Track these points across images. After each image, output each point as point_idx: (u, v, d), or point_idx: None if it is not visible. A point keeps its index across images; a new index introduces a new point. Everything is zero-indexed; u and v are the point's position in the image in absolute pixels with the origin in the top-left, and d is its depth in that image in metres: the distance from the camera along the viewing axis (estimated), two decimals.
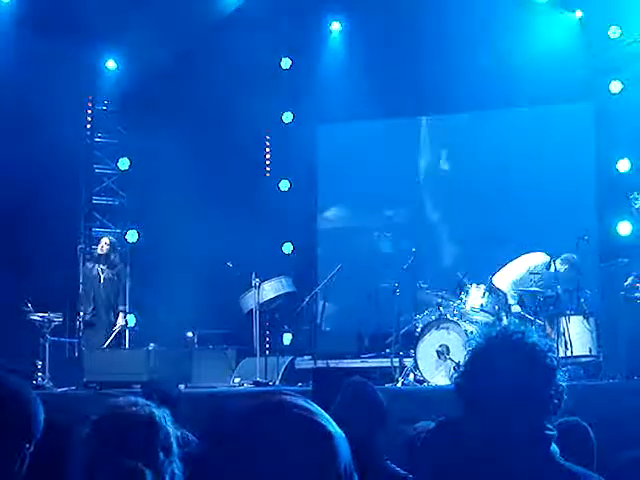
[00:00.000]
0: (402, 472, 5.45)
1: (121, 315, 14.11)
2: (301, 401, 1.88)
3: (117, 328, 13.93)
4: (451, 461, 2.96)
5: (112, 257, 14.18)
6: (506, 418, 2.89)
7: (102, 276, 13.87)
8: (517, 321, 11.92)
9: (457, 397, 3.05)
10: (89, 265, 14.14)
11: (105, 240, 14.27)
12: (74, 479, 3.19)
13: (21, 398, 2.76)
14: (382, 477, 5.26)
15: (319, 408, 1.90)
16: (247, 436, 1.82)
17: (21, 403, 2.74)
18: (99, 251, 14.17)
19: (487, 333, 3.09)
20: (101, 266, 13.97)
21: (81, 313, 13.78)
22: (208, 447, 1.89)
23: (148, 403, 3.15)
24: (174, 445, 3.09)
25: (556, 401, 2.98)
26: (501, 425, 2.89)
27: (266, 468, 1.79)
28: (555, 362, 3.03)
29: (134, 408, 3.08)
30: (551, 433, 2.97)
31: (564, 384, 3.02)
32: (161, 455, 3.02)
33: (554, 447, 2.97)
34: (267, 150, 17.83)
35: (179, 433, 3.36)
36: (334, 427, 1.88)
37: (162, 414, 3.12)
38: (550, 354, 3.02)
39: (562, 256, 12.87)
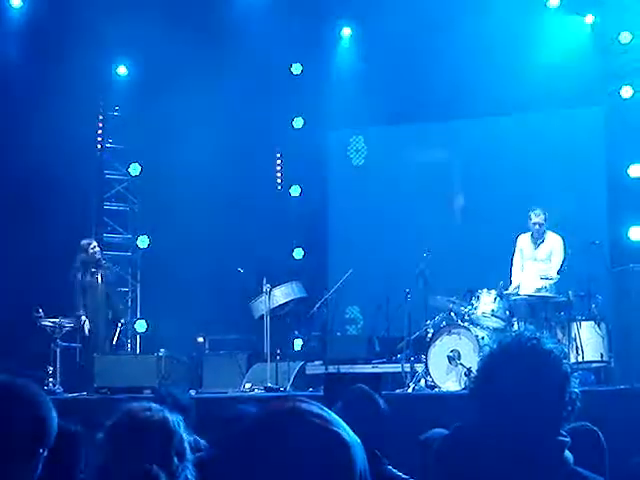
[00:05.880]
0: (404, 476, 5.45)
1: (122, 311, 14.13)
2: (316, 408, 1.88)
3: (120, 327, 13.86)
4: (466, 467, 2.95)
5: (101, 258, 13.96)
6: (521, 424, 2.89)
7: (98, 278, 13.70)
8: (531, 327, 11.99)
9: (471, 403, 3.05)
10: (81, 272, 13.74)
11: (93, 243, 13.91)
12: None
13: (35, 403, 2.76)
14: None
15: (334, 415, 1.90)
16: (260, 443, 1.81)
17: (35, 408, 2.75)
18: (91, 255, 13.73)
19: (502, 339, 3.08)
20: (93, 269, 13.74)
21: (83, 319, 13.60)
22: (221, 453, 1.88)
23: (162, 408, 3.16)
24: (187, 450, 3.09)
25: (570, 407, 2.97)
26: (516, 431, 2.89)
27: (280, 476, 1.78)
28: (569, 368, 3.03)
29: (148, 413, 3.09)
30: (565, 439, 2.96)
31: (578, 390, 3.02)
32: (175, 460, 3.03)
33: (568, 453, 2.97)
34: (278, 156, 17.84)
35: (191, 438, 3.36)
36: (349, 434, 1.87)
37: (176, 419, 3.13)
38: (565, 360, 3.02)
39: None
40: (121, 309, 14.23)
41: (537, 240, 13.26)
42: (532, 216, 13.19)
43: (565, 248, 13.15)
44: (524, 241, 13.38)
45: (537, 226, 13.17)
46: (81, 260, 13.73)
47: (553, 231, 13.31)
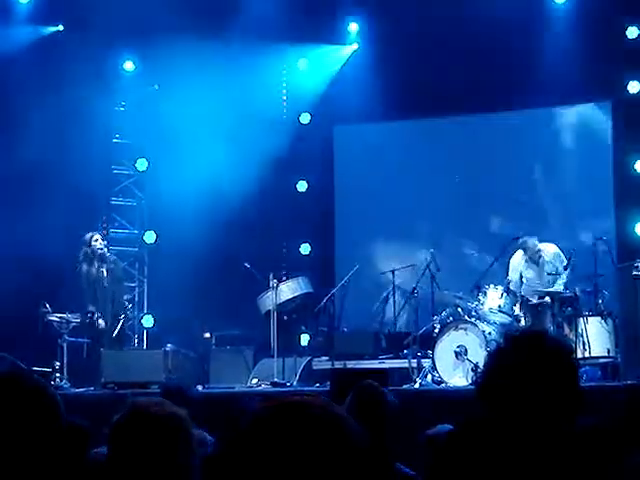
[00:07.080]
0: (412, 473, 5.45)
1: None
2: (322, 402, 1.88)
3: (122, 319, 13.84)
4: (474, 463, 2.95)
5: (106, 252, 13.95)
6: (529, 419, 2.88)
7: (104, 271, 13.67)
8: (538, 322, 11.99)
9: (478, 398, 3.04)
10: (85, 266, 13.74)
11: (95, 236, 13.93)
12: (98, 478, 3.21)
13: (43, 398, 2.76)
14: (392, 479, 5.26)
15: (341, 409, 1.90)
16: (266, 437, 1.81)
17: (42, 403, 2.75)
18: (93, 248, 13.70)
19: (509, 334, 3.08)
20: (98, 263, 13.72)
21: (92, 314, 13.59)
22: (227, 448, 1.88)
23: (170, 403, 3.17)
24: (194, 445, 3.09)
25: (578, 402, 2.97)
26: (524, 426, 2.89)
27: (286, 470, 1.78)
28: (577, 363, 3.02)
29: (155, 408, 3.09)
30: (571, 435, 2.96)
31: (585, 385, 3.02)
32: (182, 455, 3.03)
33: (574, 448, 2.96)
34: (285, 150, 17.78)
35: (198, 433, 3.36)
36: (356, 429, 1.87)
37: (182, 414, 3.13)
38: (572, 356, 3.02)
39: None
40: (121, 303, 14.18)
41: (536, 260, 13.20)
42: (531, 244, 13.16)
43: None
44: (520, 262, 13.34)
45: (537, 250, 13.16)
46: (84, 253, 13.75)
47: (542, 241, 13.34)
